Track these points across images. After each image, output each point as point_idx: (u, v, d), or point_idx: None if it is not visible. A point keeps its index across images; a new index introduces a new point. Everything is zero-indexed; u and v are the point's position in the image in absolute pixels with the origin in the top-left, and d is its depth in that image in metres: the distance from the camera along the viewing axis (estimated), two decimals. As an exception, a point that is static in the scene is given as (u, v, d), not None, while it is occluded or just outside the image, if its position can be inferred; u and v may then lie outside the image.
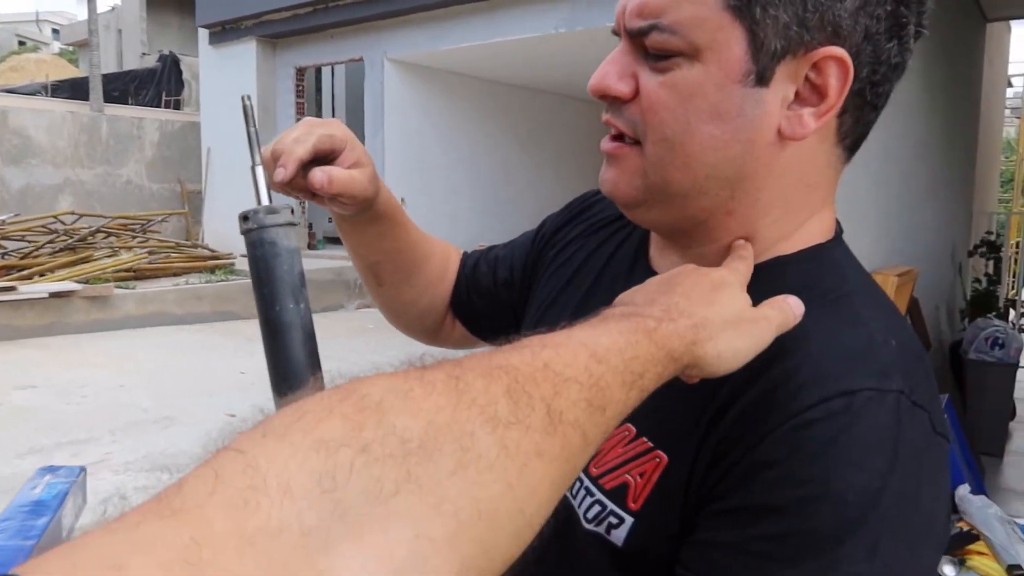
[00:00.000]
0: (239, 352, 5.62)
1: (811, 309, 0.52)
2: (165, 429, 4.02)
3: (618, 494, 0.55)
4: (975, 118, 6.54)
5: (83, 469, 0.96)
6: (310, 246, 9.11)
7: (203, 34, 9.52)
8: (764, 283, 0.55)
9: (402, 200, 7.84)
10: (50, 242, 7.33)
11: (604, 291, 0.67)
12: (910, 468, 0.47)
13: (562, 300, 0.72)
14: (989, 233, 6.34)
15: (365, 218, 0.75)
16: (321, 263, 7.80)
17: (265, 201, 0.63)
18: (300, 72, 8.83)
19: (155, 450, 3.69)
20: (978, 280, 6.12)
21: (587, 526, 0.57)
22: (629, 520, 0.54)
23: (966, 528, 2.55)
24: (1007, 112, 15.94)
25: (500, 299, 0.84)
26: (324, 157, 0.67)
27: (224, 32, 9.17)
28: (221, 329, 6.47)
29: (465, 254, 0.91)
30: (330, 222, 11.16)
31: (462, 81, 8.41)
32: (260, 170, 0.64)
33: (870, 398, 0.48)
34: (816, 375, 0.49)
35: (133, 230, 8.27)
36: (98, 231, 7.77)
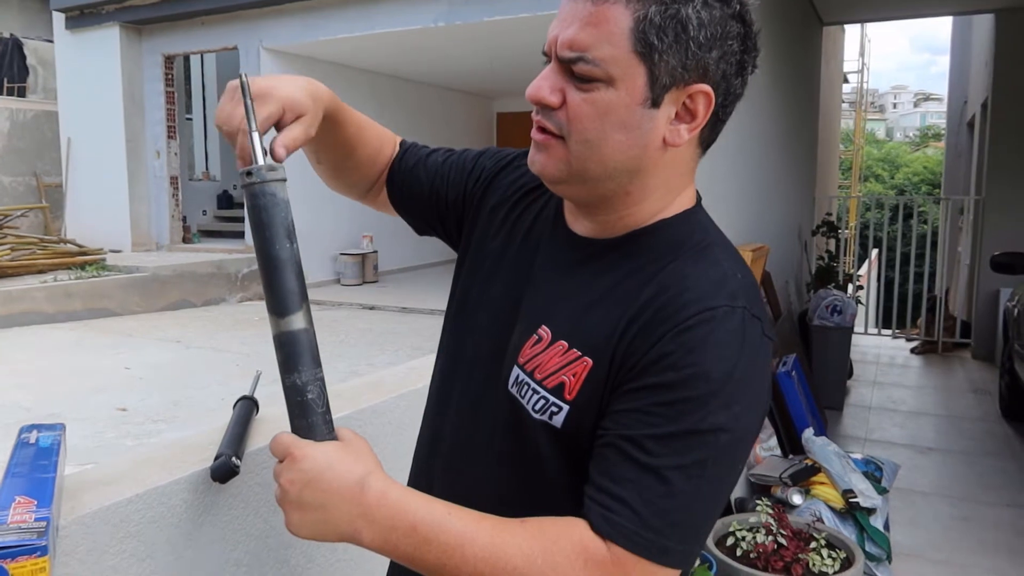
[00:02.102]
0: (121, 348, 5.47)
1: (687, 256, 0.78)
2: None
3: (557, 390, 0.78)
4: (815, 112, 7.26)
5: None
6: (185, 240, 8.83)
7: (58, 18, 8.96)
8: (654, 236, 0.81)
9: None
10: None
11: (531, 246, 0.90)
12: (749, 357, 0.72)
13: (494, 249, 0.94)
14: (829, 215, 7.06)
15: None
16: (200, 256, 7.62)
17: (261, 160, 0.76)
18: (169, 60, 8.51)
19: (45, 447, 3.60)
20: (821, 257, 6.83)
21: (535, 416, 0.79)
22: (566, 408, 0.77)
23: (810, 463, 2.98)
24: (846, 106, 17.40)
25: (429, 203, 1.03)
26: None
27: (83, 16, 8.68)
28: (97, 327, 6.23)
29: (402, 144, 1.07)
30: (204, 215, 10.81)
31: (342, 71, 8.39)
32: (256, 135, 0.77)
33: (726, 311, 0.72)
34: (692, 297, 0.73)
35: (-12, 226, 7.75)
36: (-52, 228, 7.25)
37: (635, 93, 0.73)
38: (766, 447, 3.27)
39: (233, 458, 1.07)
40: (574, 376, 0.77)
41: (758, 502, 2.67)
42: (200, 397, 4.27)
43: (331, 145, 0.98)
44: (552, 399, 0.78)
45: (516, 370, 0.83)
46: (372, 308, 7.22)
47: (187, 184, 9.14)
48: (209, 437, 1.17)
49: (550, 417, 0.78)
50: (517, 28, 6.08)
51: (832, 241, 6.94)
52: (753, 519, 2.62)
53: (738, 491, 3.01)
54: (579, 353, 0.77)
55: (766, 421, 3.41)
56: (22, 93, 13.35)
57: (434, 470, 0.95)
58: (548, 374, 0.79)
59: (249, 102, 0.78)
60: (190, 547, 1.07)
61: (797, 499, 2.81)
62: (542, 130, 0.78)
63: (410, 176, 1.03)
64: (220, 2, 7.61)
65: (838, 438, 4.54)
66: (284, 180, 0.76)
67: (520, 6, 5.99)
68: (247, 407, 1.25)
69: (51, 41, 9.73)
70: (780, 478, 2.87)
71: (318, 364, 0.76)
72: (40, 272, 6.91)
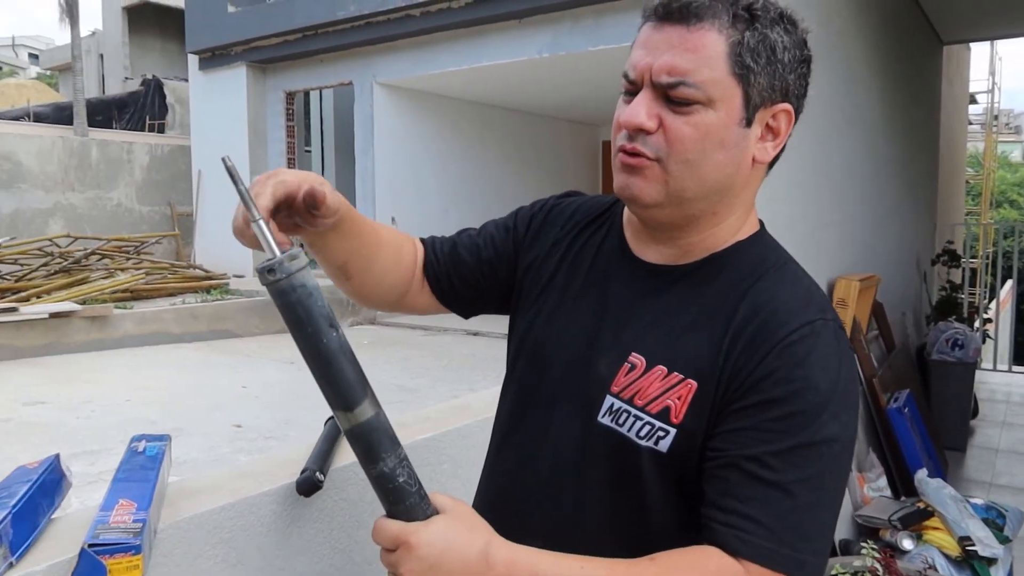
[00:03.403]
0: (239, 368, 5.80)
1: (769, 275, 0.81)
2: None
3: (663, 415, 0.78)
4: (936, 135, 6.88)
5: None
6: (301, 266, 9.28)
7: (193, 60, 9.72)
8: (732, 258, 0.83)
9: (392, 220, 8.05)
10: (44, 264, 7.47)
11: (598, 278, 0.90)
12: (846, 366, 0.76)
13: (556, 285, 0.93)
14: (950, 243, 6.65)
15: (333, 225, 0.85)
16: (313, 281, 7.97)
17: (277, 252, 0.68)
18: (290, 96, 9.06)
19: (167, 458, 3.85)
20: (944, 288, 6.43)
21: (640, 442, 0.79)
22: (673, 431, 0.77)
23: (923, 506, 2.80)
24: (978, 128, 16.36)
25: (480, 282, 1.00)
26: (287, 205, 0.78)
27: (214, 58, 9.38)
28: (219, 347, 6.63)
29: (425, 241, 1.03)
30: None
31: (451, 103, 8.66)
32: (262, 223, 0.70)
33: (822, 324, 0.76)
34: (789, 313, 0.77)
35: (127, 252, 8.43)
36: (93, 253, 7.93)
37: (732, 113, 0.77)
38: (875, 487, 3.09)
39: (317, 473, 1.12)
40: (679, 399, 0.78)
41: (863, 545, 2.53)
42: (309, 417, 4.42)
43: (356, 248, 0.92)
44: (658, 424, 0.78)
45: (610, 399, 0.82)
46: (476, 334, 7.34)
47: (304, 213, 9.61)
48: (301, 453, 1.23)
49: (656, 442, 0.78)
50: (621, 56, 6.08)
51: (955, 271, 6.53)
52: (857, 563, 2.48)
53: (843, 532, 2.86)
54: (681, 376, 0.78)
55: (875, 459, 3.23)
56: (162, 129, 14.53)
57: (525, 510, 0.90)
58: (650, 399, 0.79)
59: (243, 188, 0.71)
60: (279, 556, 1.13)
61: (907, 544, 2.64)
62: (635, 155, 0.79)
63: (451, 259, 1.01)
64: (336, 41, 8.04)
65: (959, 482, 4.23)
66: (307, 265, 0.69)
67: (621, 35, 6.03)
68: (336, 426, 1.31)
69: (188, 80, 10.54)
70: (889, 520, 2.72)
71: (397, 443, 0.72)
72: (171, 295, 7.44)
